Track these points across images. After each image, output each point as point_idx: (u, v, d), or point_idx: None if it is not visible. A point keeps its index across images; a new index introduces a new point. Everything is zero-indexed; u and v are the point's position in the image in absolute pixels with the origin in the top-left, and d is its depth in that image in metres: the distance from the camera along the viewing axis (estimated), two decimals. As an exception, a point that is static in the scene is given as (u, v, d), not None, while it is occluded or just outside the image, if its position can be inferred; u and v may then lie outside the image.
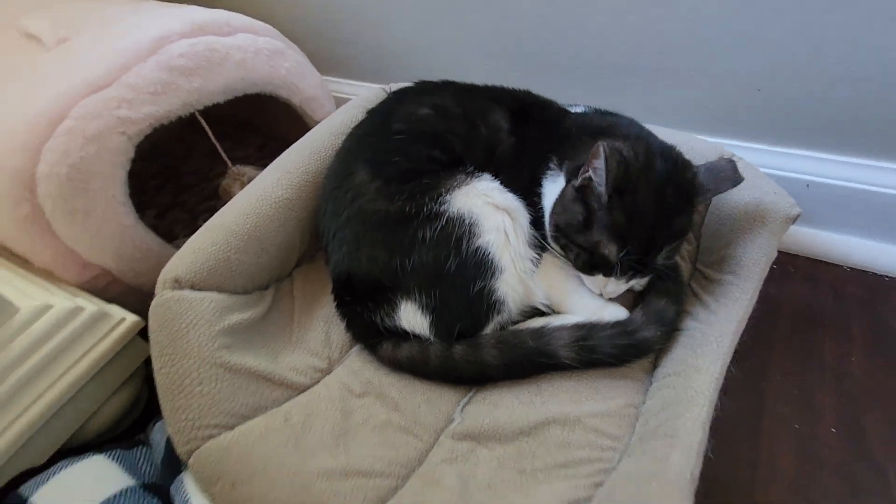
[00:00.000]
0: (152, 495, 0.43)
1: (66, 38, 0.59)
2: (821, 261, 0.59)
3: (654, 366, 0.47)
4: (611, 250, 0.44)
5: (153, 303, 0.48)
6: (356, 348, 0.54)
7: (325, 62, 0.79)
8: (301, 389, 0.50)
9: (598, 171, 0.43)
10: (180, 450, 0.43)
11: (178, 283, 0.48)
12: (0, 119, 0.51)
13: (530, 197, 0.50)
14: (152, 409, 0.57)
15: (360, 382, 0.50)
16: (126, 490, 0.43)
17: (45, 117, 0.50)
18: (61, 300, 0.49)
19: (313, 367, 0.52)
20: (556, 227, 0.47)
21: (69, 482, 0.43)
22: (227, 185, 0.67)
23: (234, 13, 0.63)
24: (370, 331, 0.51)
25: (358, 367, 0.52)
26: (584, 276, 0.48)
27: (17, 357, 0.45)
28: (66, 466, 0.44)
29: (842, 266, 0.58)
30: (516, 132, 0.51)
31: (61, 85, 0.52)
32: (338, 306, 0.54)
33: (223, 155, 0.64)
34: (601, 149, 0.42)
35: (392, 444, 0.45)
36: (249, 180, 0.67)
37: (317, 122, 0.69)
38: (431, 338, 0.49)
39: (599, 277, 0.46)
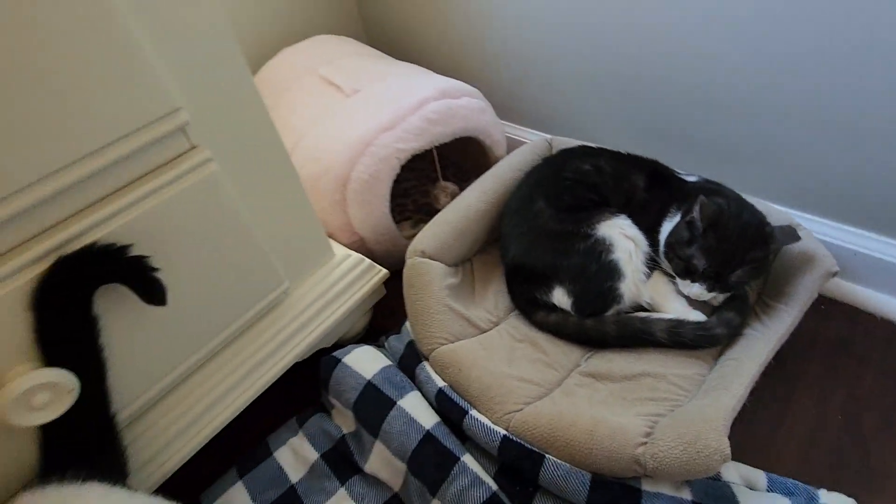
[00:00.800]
0: (401, 371, 0.74)
1: (358, 89, 0.93)
2: (858, 309, 0.80)
3: (720, 354, 0.72)
4: (699, 262, 0.68)
5: (408, 263, 0.79)
6: (514, 313, 0.83)
7: (499, 108, 1.09)
8: (483, 330, 0.79)
9: (697, 211, 0.69)
10: (423, 349, 0.74)
11: (423, 254, 0.80)
12: (328, 142, 0.86)
13: (651, 232, 0.77)
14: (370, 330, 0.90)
15: (520, 333, 0.79)
16: (389, 366, 0.74)
17: (358, 143, 0.83)
18: (349, 253, 0.83)
19: (488, 319, 0.81)
20: (668, 245, 0.73)
21: (360, 355, 0.75)
22: (436, 194, 0.98)
23: (460, 82, 0.95)
24: (529, 302, 0.80)
25: (516, 324, 0.81)
26: (679, 281, 0.73)
27: (334, 281, 0.78)
28: (355, 348, 0.77)
29: (874, 315, 0.79)
30: (649, 189, 0.78)
31: (366, 124, 0.85)
32: (509, 283, 0.83)
33: (439, 173, 0.96)
34: (700, 197, 0.68)
35: (541, 371, 0.73)
36: (452, 192, 0.99)
37: (497, 158, 1.00)
38: (572, 312, 0.77)
39: (688, 282, 0.71)
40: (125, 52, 0.47)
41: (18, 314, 0.47)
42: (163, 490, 0.62)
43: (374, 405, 0.69)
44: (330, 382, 0.74)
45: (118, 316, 0.54)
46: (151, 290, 0.53)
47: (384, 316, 0.91)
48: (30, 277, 0.47)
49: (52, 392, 0.48)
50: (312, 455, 0.71)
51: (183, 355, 0.64)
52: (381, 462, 0.67)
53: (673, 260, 0.73)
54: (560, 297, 0.77)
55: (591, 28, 0.92)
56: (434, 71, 1.05)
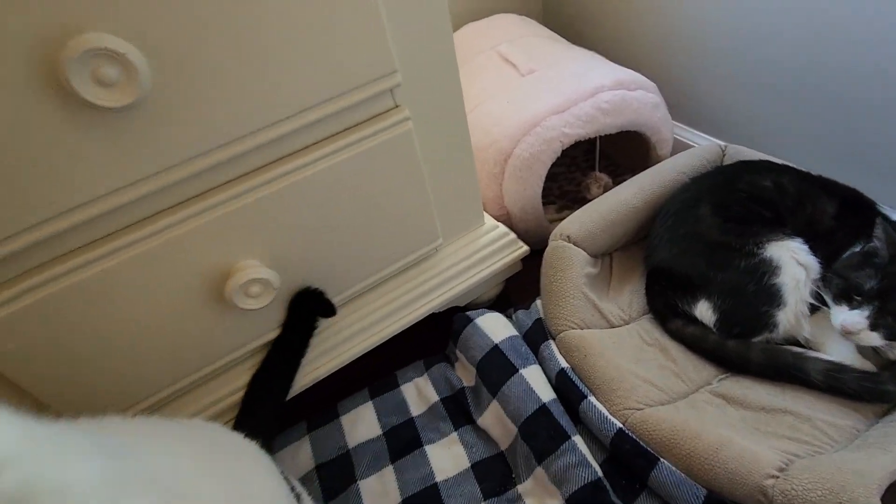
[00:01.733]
0: (526, 344, 0.78)
1: (534, 69, 0.96)
2: None
3: (886, 413, 0.64)
4: (865, 280, 0.61)
5: (552, 245, 0.82)
6: (647, 316, 0.82)
7: (670, 107, 1.04)
8: (612, 326, 0.80)
9: (880, 233, 0.61)
10: (552, 328, 0.77)
11: (567, 238, 0.82)
12: (498, 117, 0.90)
13: (828, 263, 0.70)
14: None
15: (650, 337, 0.78)
16: (516, 336, 0.79)
17: (526, 122, 0.87)
18: (497, 224, 0.87)
19: (620, 315, 0.81)
20: (832, 270, 0.66)
21: (490, 320, 0.80)
22: (588, 184, 0.99)
23: (637, 74, 0.93)
24: (668, 309, 0.78)
25: (648, 328, 0.80)
26: (833, 308, 0.65)
27: (480, 247, 0.83)
28: (487, 312, 0.82)
29: None
30: (838, 218, 0.70)
31: (537, 104, 0.88)
32: (649, 285, 0.82)
33: (597, 163, 0.96)
34: (879, 219, 0.60)
35: (667, 379, 0.72)
36: (605, 184, 0.99)
37: (660, 157, 0.97)
38: (714, 329, 0.73)
39: (844, 307, 0.63)
40: (367, 13, 0.55)
41: (250, 224, 0.59)
42: (303, 397, 0.74)
43: (497, 368, 0.74)
44: (459, 338, 0.80)
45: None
46: (328, 309, 0.72)
47: (514, 290, 0.95)
48: (258, 197, 0.58)
49: (262, 287, 0.60)
50: (433, 397, 0.79)
51: (344, 286, 0.74)
52: (495, 420, 0.72)
53: (832, 281, 0.66)
54: (704, 311, 0.74)
55: (803, 31, 0.84)
56: (608, 59, 1.03)
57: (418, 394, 0.80)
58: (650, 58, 1.10)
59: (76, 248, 0.51)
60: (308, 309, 0.70)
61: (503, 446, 0.72)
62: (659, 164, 0.90)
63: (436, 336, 0.87)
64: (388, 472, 0.71)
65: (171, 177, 0.51)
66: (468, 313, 0.82)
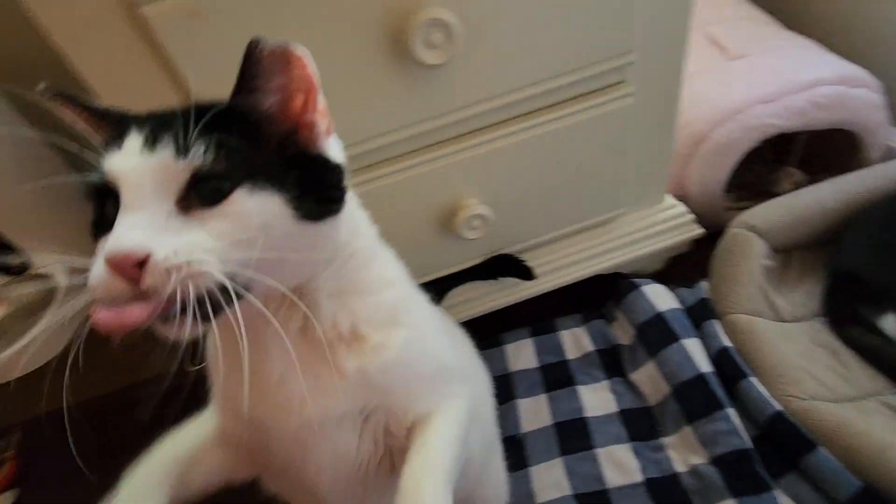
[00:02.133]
0: (689, 318, 0.83)
1: (743, 55, 0.95)
2: None
3: None
4: None
5: (733, 231, 0.85)
6: (819, 319, 0.82)
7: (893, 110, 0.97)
8: (782, 320, 0.81)
9: None
10: (719, 310, 0.81)
11: (752, 228, 0.83)
12: (698, 98, 0.92)
13: None
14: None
15: (821, 339, 0.78)
16: (680, 308, 0.84)
17: (729, 108, 0.88)
18: (677, 203, 0.91)
19: (791, 312, 0.82)
20: None
21: (656, 289, 0.86)
22: (779, 178, 0.97)
23: (863, 71, 0.88)
24: (849, 315, 0.78)
25: (819, 329, 0.80)
26: None
27: (657, 221, 0.88)
28: (652, 283, 0.88)
29: None
30: None
31: (743, 91, 0.88)
32: (831, 288, 0.81)
33: (795, 158, 0.95)
34: None
35: (835, 380, 0.73)
36: (797, 181, 0.97)
37: (868, 161, 0.92)
38: (897, 343, 0.73)
39: None
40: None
41: (483, 166, 0.70)
42: (470, 325, 0.87)
43: (658, 333, 0.80)
44: (623, 300, 0.87)
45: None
46: (527, 272, 0.84)
47: (676, 268, 0.98)
48: (497, 146, 0.69)
49: (481, 221, 0.72)
50: (589, 346, 0.88)
51: (532, 234, 0.84)
52: (647, 377, 0.80)
53: None
54: (891, 324, 0.73)
55: None
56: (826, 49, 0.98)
57: (574, 340, 0.90)
58: (877, 53, 1.02)
59: (374, 163, 0.66)
60: (507, 269, 0.83)
61: (651, 402, 0.79)
62: (867, 169, 0.86)
63: (595, 295, 0.95)
64: (542, 399, 0.83)
65: (444, 120, 0.64)
66: (634, 280, 0.89)
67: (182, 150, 0.29)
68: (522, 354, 0.89)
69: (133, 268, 0.27)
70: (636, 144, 0.77)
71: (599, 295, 0.93)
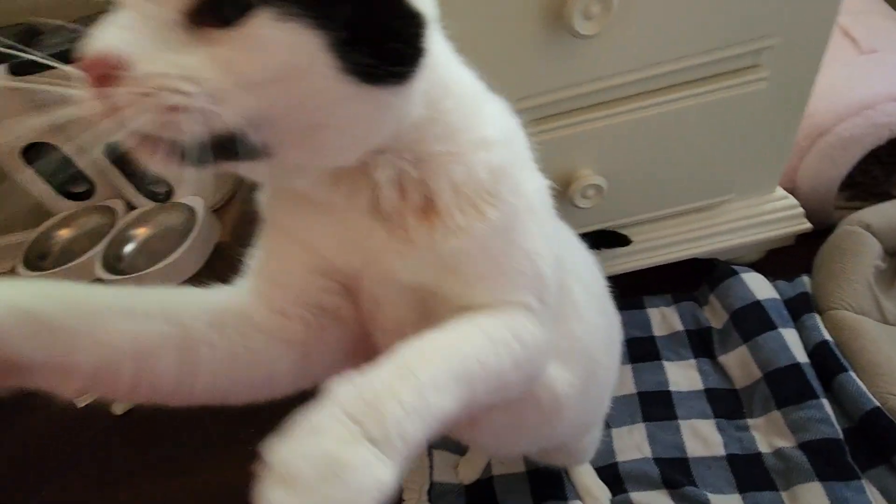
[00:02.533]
0: (788, 310, 0.84)
1: (876, 49, 0.92)
2: None
3: None
4: None
5: (846, 228, 0.84)
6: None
7: None
8: (888, 323, 0.80)
9: None
10: (822, 305, 0.81)
11: (867, 227, 0.82)
12: (824, 91, 0.90)
13: None
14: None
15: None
16: (778, 299, 0.85)
17: (857, 103, 0.86)
18: (787, 195, 0.90)
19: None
20: None
21: (755, 277, 0.87)
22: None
23: None
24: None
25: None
26: None
27: (765, 211, 0.88)
28: (751, 271, 0.89)
29: None
30: None
31: (874, 87, 0.86)
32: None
33: None
34: None
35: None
36: None
37: None
38: None
39: None
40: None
41: (607, 137, 0.73)
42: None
43: (755, 320, 0.82)
44: (719, 285, 0.89)
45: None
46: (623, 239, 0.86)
47: (773, 260, 0.98)
48: (625, 119, 0.72)
49: (595, 191, 0.76)
50: (678, 325, 0.90)
51: (639, 210, 0.86)
52: (738, 361, 0.82)
53: None
54: None
55: None
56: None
57: (662, 318, 0.93)
58: None
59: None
60: (606, 241, 0.87)
61: (738, 385, 0.81)
62: None
63: (682, 277, 0.97)
64: (626, 369, 0.87)
65: (579, 90, 0.68)
66: (733, 266, 0.90)
67: None
68: (609, 326, 0.93)
69: (107, 77, 0.21)
70: (759, 131, 0.77)
71: (686, 278, 0.95)
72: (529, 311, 0.34)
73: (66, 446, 1.00)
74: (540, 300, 0.34)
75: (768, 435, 0.75)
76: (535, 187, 0.35)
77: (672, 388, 0.83)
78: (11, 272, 1.03)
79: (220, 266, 1.05)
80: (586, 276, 0.51)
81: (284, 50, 0.23)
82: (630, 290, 0.98)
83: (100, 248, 0.98)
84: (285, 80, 0.23)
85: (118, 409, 1.00)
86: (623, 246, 0.87)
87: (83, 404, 0.96)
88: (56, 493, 0.94)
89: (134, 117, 0.21)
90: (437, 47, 0.30)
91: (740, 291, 0.85)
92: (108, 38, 0.22)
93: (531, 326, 0.33)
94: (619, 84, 0.68)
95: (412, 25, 0.26)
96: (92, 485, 0.95)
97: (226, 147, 0.24)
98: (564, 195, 0.77)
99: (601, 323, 0.51)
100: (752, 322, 0.82)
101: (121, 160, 0.99)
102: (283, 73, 0.23)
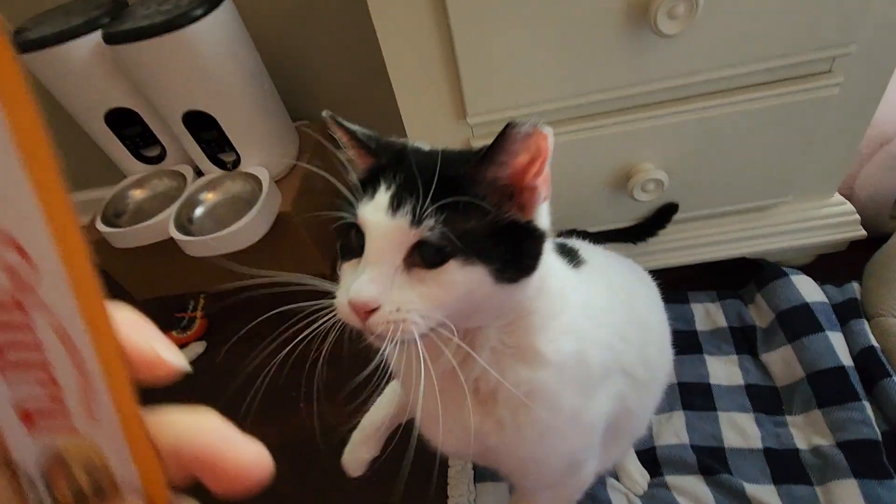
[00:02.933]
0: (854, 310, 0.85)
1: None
2: None
3: None
4: None
5: (902, 236, 0.85)
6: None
7: None
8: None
9: None
10: (871, 311, 0.83)
11: (924, 236, 0.83)
12: (888, 99, 0.90)
13: None
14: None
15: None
16: (826, 303, 0.86)
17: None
18: (845, 201, 0.90)
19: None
20: None
21: (804, 280, 0.88)
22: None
23: None
24: None
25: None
26: None
27: (821, 216, 0.89)
28: (801, 273, 0.90)
29: None
30: None
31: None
32: None
33: None
34: None
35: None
36: None
37: None
38: None
39: None
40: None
41: (672, 134, 0.75)
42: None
43: (802, 322, 0.84)
44: (767, 285, 0.90)
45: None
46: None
47: (823, 264, 0.99)
48: (691, 118, 0.73)
49: (655, 185, 0.78)
50: (722, 321, 0.93)
51: (695, 206, 0.88)
52: (780, 360, 0.84)
53: None
54: None
55: None
56: None
57: (706, 314, 0.95)
58: None
59: (575, 117, 0.74)
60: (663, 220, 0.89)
61: (780, 383, 0.84)
62: None
63: (726, 275, 0.98)
64: (668, 360, 0.90)
65: (653, 86, 0.70)
66: (783, 268, 0.91)
67: (416, 222, 0.35)
68: (652, 317, 0.96)
69: (365, 313, 0.35)
70: (825, 136, 0.78)
71: (727, 276, 0.96)
72: (566, 485, 0.54)
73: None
74: (575, 469, 0.51)
75: (807, 432, 0.77)
76: (572, 405, 0.45)
77: (712, 381, 0.86)
78: (92, 224, 1.10)
79: (281, 235, 1.10)
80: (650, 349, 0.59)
81: (466, 283, 0.36)
82: (671, 284, 1.00)
83: (173, 210, 1.05)
84: (464, 298, 0.36)
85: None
86: (675, 213, 0.88)
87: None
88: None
89: (381, 330, 0.35)
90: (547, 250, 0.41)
91: (789, 293, 0.87)
92: (364, 290, 0.35)
93: (571, 494, 0.55)
94: (693, 83, 0.70)
95: (539, 241, 0.39)
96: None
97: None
98: (623, 187, 0.80)
99: (658, 376, 0.62)
100: (799, 323, 0.84)
101: (194, 127, 1.05)
102: (464, 295, 0.36)
